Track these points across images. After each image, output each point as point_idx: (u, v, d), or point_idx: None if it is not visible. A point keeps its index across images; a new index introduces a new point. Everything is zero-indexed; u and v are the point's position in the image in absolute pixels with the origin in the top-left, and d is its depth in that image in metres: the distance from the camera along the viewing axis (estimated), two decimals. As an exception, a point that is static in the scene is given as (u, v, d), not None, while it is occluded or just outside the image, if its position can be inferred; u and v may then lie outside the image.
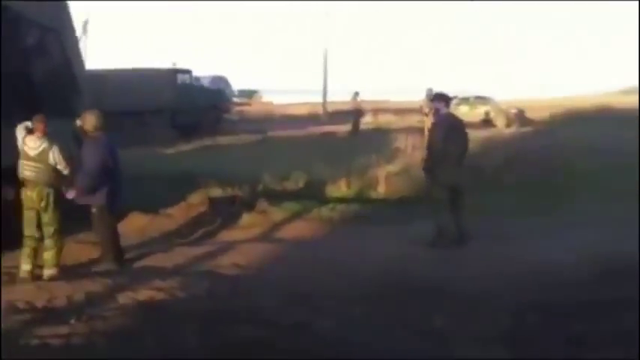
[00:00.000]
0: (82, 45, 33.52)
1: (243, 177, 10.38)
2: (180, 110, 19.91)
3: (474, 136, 16.23)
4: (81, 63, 8.25)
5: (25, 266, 6.17)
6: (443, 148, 7.18)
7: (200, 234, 8.13)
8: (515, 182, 10.25)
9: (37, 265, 6.23)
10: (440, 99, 7.58)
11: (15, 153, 6.13)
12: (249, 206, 9.12)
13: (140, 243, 7.50)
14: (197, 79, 23.66)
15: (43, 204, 6.08)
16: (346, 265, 6.26)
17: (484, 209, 8.48)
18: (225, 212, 8.88)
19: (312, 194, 9.99)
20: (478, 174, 10.35)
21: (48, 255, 6.17)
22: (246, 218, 8.74)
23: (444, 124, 7.42)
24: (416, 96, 24.35)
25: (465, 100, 24.60)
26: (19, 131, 6.19)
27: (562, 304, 4.97)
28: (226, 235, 8.06)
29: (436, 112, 7.78)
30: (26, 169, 6.12)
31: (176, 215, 8.67)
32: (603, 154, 11.83)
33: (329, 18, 32.83)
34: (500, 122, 22.49)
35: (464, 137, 7.49)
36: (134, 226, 8.15)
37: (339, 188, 10.33)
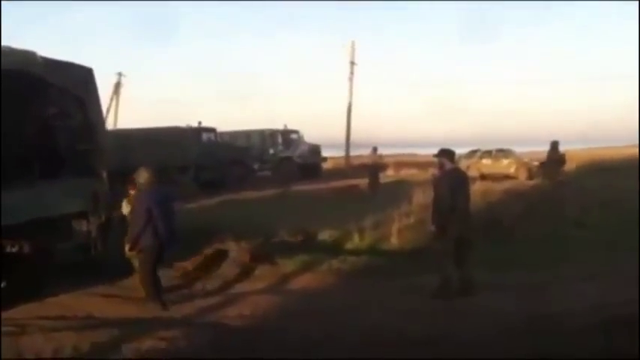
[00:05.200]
0: (112, 104, 34.50)
1: (259, 230, 10.61)
2: (204, 166, 20.39)
3: (493, 188, 16.44)
4: (103, 125, 8.68)
5: None
6: (449, 202, 7.34)
7: (212, 286, 8.34)
8: (529, 234, 10.29)
9: None
10: (444, 154, 7.78)
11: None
12: (262, 259, 9.33)
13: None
14: (276, 132, 26.16)
15: None
16: (347, 318, 6.39)
17: (495, 261, 8.61)
18: (238, 265, 9.10)
19: (326, 246, 10.16)
20: (494, 226, 10.47)
21: None
22: (257, 270, 8.95)
23: (450, 179, 7.60)
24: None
25: (488, 153, 24.69)
26: None
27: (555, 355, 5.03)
28: (237, 287, 8.26)
29: (441, 166, 7.96)
30: None
31: (189, 268, 8.93)
32: (618, 207, 11.78)
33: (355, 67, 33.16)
34: (521, 175, 22.44)
35: (468, 191, 7.68)
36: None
37: (353, 241, 10.49)
